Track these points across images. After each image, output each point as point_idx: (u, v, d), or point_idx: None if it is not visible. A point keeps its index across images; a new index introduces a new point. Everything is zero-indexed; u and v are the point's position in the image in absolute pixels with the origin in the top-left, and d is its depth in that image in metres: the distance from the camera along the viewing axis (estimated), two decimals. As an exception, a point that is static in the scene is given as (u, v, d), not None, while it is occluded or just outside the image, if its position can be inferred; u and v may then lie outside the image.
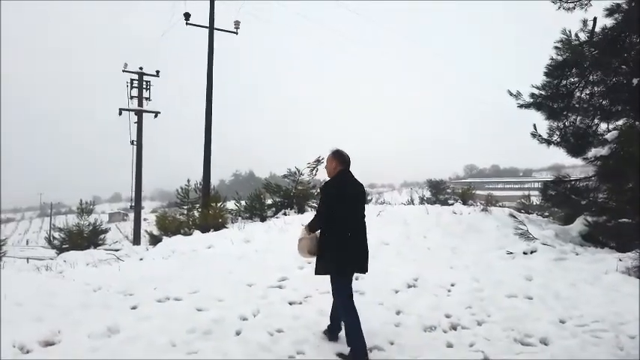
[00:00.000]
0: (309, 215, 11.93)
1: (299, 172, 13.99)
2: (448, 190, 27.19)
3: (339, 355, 4.11)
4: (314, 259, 4.39)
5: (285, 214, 13.27)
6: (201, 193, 15.96)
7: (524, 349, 4.25)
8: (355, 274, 5.64)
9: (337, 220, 4.13)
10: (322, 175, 14.75)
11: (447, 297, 5.84)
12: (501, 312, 5.19)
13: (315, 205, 13.65)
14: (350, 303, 4.14)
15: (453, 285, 6.33)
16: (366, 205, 4.60)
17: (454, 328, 4.79)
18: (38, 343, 3.92)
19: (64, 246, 19.44)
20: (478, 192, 22.40)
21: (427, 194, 28.22)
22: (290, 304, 5.45)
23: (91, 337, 4.04)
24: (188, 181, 18.57)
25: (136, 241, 21.23)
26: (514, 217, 10.16)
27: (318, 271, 4.30)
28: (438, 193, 27.17)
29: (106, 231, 21.63)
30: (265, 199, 14.52)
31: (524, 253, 7.90)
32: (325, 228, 4.21)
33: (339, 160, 4.40)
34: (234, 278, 6.49)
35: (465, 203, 16.44)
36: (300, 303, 5.51)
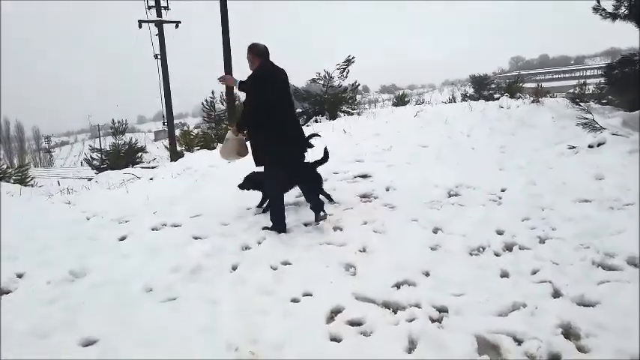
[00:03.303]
0: (342, 121, 10.95)
1: (329, 75, 12.80)
2: (493, 86, 24.82)
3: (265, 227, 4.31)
4: (240, 160, 4.57)
5: (316, 121, 12.30)
6: (226, 106, 15.00)
7: (608, 276, 3.12)
8: (387, 185, 5.76)
9: (271, 111, 4.01)
10: (353, 78, 13.45)
11: (497, 207, 4.76)
12: (570, 224, 4.06)
13: (348, 110, 12.65)
14: (280, 195, 4.37)
15: (503, 191, 5.25)
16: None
17: (509, 248, 3.72)
18: (-10, 292, 3.21)
19: (102, 166, 19.48)
20: (526, 85, 20.39)
21: (470, 91, 25.96)
22: (305, 225, 4.56)
23: (50, 283, 3.30)
24: (212, 92, 17.62)
25: (173, 157, 20.99)
26: (577, 103, 8.62)
27: (258, 164, 4.27)
28: (482, 89, 24.86)
29: (142, 149, 21.41)
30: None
31: (590, 147, 6.58)
32: (259, 121, 4.06)
33: (255, 52, 4.19)
34: (245, 197, 5.62)
35: (512, 97, 14.76)
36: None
